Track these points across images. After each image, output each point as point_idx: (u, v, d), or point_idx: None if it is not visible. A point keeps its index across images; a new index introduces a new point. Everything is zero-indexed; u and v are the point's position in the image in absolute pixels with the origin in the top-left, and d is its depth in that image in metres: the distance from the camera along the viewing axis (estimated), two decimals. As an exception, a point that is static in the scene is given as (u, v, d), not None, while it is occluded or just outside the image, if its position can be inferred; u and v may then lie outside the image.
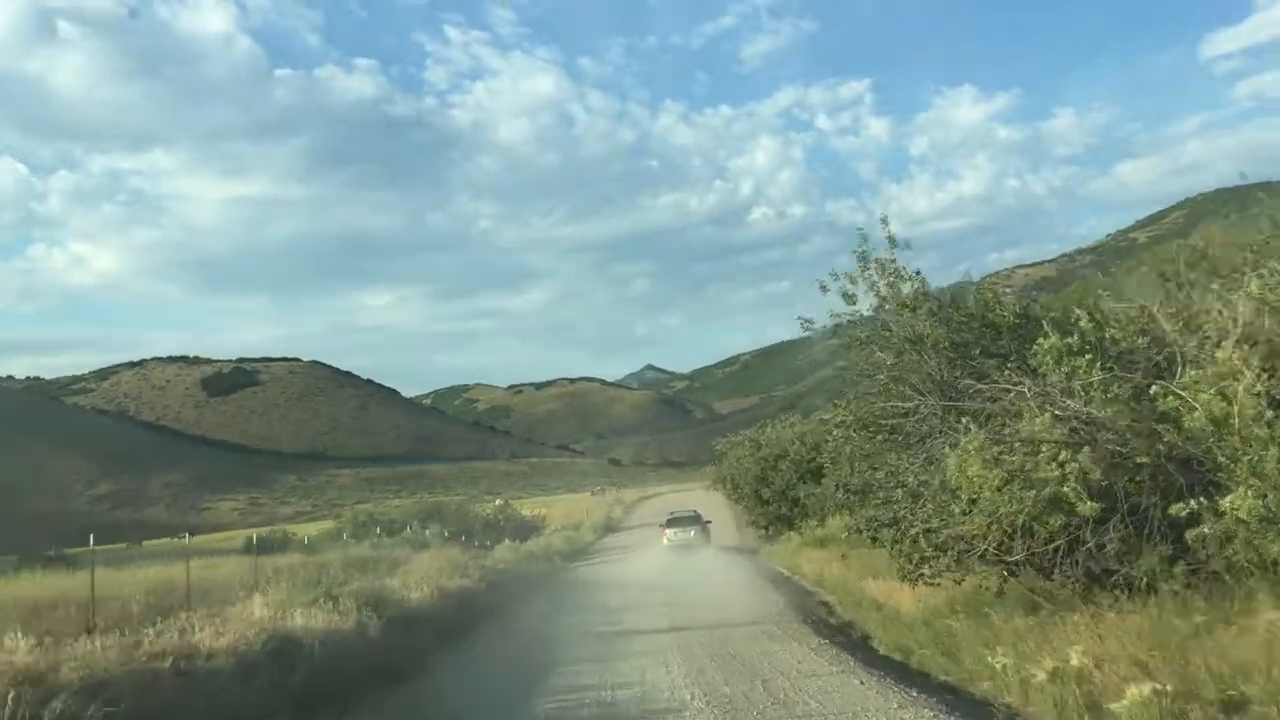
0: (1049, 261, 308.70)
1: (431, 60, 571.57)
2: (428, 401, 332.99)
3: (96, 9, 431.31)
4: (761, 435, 37.42)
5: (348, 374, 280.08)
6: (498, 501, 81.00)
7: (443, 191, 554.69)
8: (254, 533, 44.19)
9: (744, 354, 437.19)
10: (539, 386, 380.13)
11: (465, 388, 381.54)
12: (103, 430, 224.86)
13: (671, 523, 39.87)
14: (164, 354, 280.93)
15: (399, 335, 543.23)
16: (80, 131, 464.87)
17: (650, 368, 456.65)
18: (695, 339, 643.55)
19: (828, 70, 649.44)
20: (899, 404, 13.05)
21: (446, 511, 57.75)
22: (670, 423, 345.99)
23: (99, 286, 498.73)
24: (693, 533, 38.55)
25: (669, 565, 33.02)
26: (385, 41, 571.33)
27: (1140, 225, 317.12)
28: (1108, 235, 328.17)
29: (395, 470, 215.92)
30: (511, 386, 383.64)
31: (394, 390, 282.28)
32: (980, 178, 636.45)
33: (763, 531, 37.98)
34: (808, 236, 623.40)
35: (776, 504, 35.36)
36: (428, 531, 44.18)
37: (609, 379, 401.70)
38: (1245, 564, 8.48)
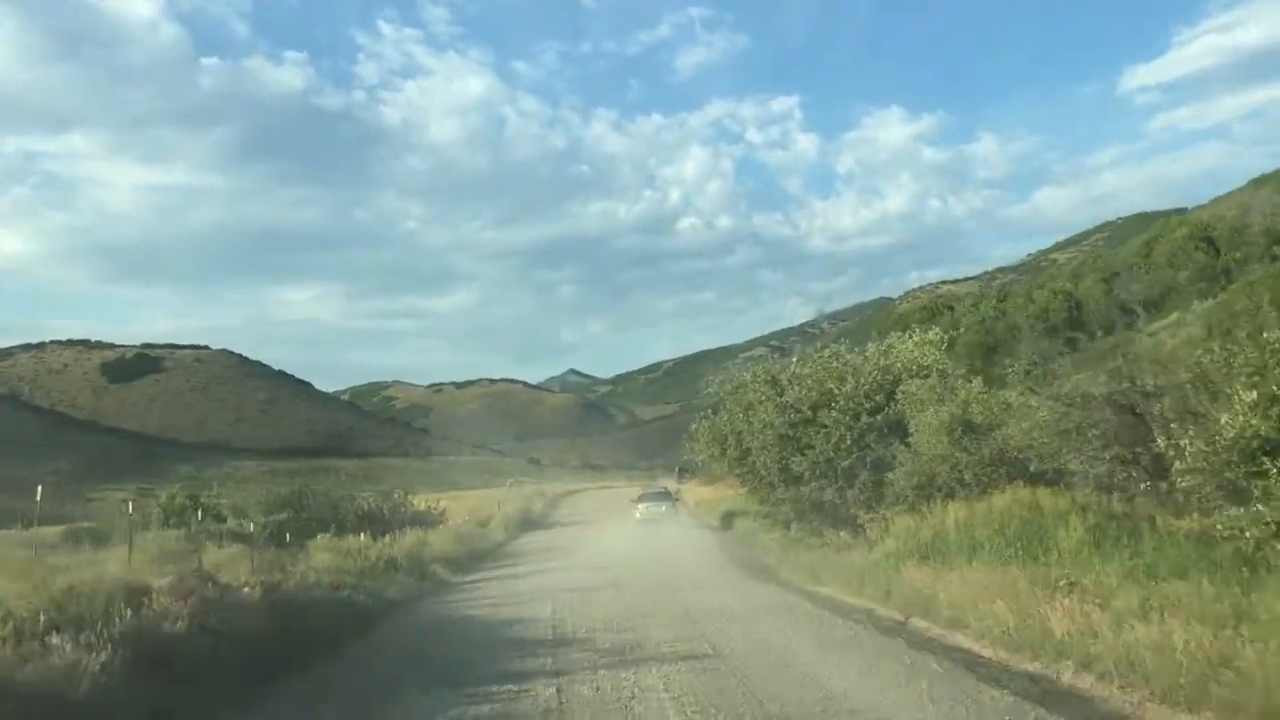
0: (972, 279, 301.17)
1: (363, 55, 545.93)
2: (345, 398, 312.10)
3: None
4: (785, 372, 21.85)
5: (257, 364, 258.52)
6: (397, 493, 63.79)
7: (369, 189, 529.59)
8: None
9: (667, 361, 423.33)
10: (460, 386, 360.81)
11: (384, 385, 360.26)
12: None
13: (643, 498, 43.10)
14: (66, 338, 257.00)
15: (318, 331, 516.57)
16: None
17: (573, 372, 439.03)
18: (619, 345, 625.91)
19: (759, 84, 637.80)
20: None
21: (313, 499, 41.13)
22: (592, 427, 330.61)
23: (6, 269, 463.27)
24: (664, 508, 40.35)
25: (644, 588, 17.45)
26: (316, 34, 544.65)
27: (1060, 247, 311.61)
28: (1029, 255, 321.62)
29: (302, 464, 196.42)
30: (432, 385, 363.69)
31: (306, 383, 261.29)
32: (904, 197, 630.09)
33: (784, 530, 22.31)
34: (734, 247, 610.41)
35: (818, 483, 19.83)
36: (249, 523, 28.09)
37: (531, 382, 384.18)
38: None
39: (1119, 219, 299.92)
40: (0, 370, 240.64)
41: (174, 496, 34.35)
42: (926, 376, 20.10)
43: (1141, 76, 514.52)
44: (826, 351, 21.81)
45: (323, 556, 18.07)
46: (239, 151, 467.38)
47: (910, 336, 21.97)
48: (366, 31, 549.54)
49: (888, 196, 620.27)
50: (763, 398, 21.08)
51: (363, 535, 23.66)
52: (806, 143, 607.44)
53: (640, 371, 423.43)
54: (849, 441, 19.46)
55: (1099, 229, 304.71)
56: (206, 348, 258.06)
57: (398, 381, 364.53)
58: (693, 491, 58.09)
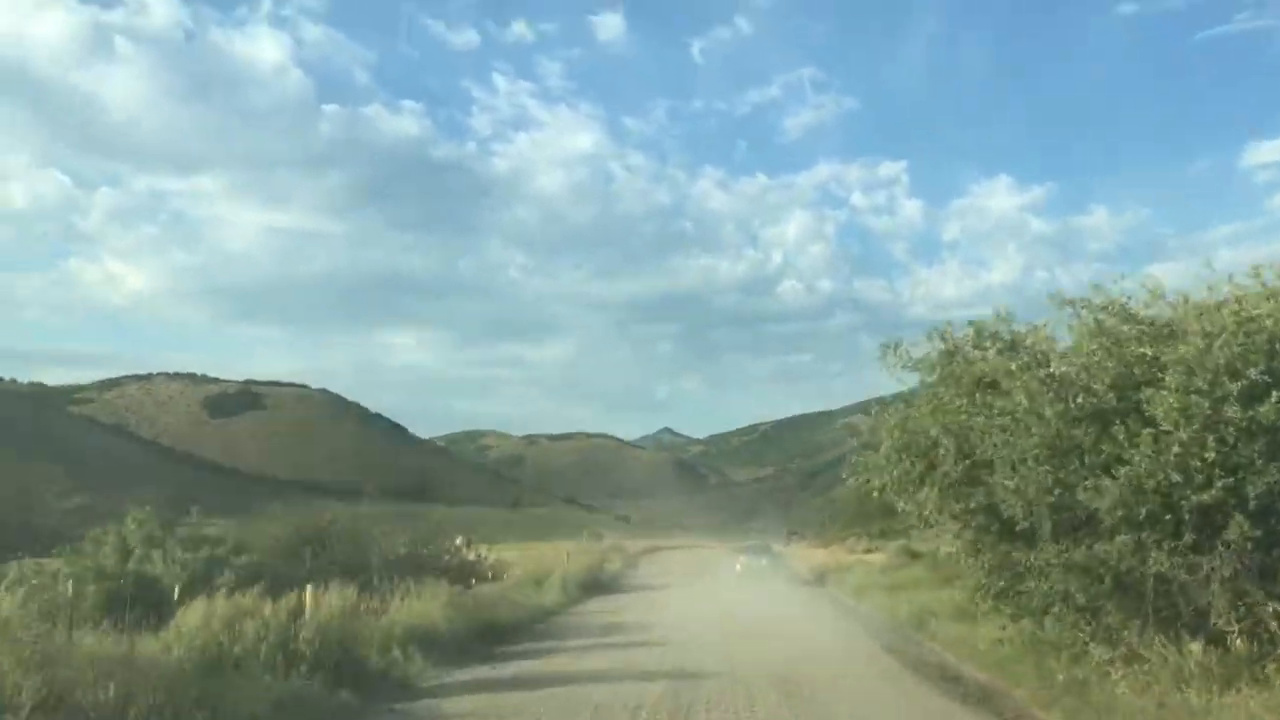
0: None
1: (477, 107, 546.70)
2: (441, 444, 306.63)
3: (155, 29, 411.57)
4: (1038, 331, 11.36)
5: (354, 405, 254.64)
6: (459, 539, 53.95)
7: (475, 237, 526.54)
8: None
9: (763, 423, 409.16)
10: (554, 439, 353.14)
11: (479, 434, 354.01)
12: (92, 442, 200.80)
13: (745, 550, 43.72)
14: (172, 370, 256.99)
15: (419, 377, 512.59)
16: (127, 150, 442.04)
17: (667, 430, 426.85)
18: (713, 405, 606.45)
19: (867, 148, 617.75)
20: None
21: (333, 538, 31.41)
22: (684, 486, 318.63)
23: (128, 305, 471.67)
24: (764, 561, 40.33)
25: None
26: (433, 85, 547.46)
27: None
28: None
29: (389, 508, 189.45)
30: (526, 436, 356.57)
31: (401, 427, 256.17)
32: (1010, 267, 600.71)
33: (1033, 623, 11.44)
34: (833, 312, 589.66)
35: (1133, 535, 9.40)
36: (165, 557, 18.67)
37: (625, 438, 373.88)
38: None
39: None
40: (108, 400, 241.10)
41: (141, 522, 24.40)
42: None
43: (1265, 154, 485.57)
44: (1127, 287, 11.24)
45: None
46: (354, 197, 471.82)
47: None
48: (481, 84, 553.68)
49: (993, 267, 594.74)
50: (1013, 368, 10.70)
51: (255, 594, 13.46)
52: (912, 209, 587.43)
53: (734, 433, 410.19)
54: (1211, 456, 9.09)
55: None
56: (307, 387, 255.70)
57: (493, 431, 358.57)
58: (804, 555, 47.49)
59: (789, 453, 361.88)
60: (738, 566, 39.18)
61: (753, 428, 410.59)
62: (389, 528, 33.64)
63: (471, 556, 37.13)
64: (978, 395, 11.09)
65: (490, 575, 32.35)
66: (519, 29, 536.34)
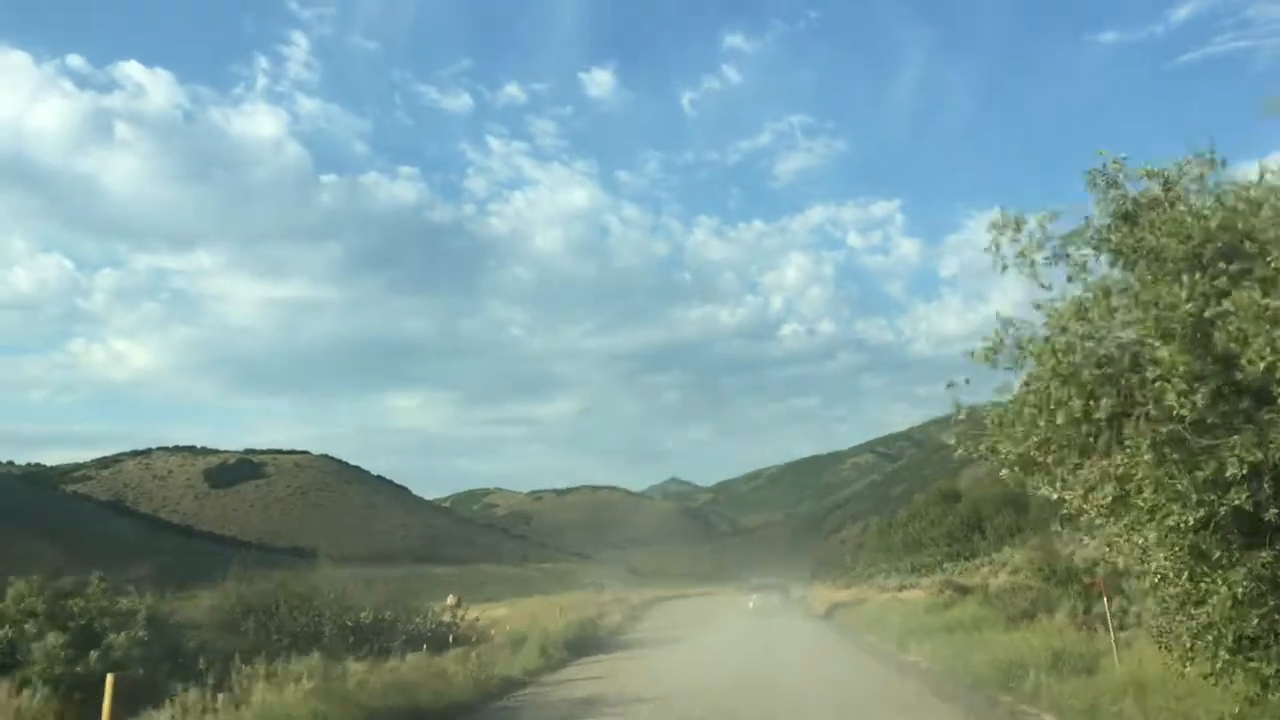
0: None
1: (473, 169, 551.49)
2: (446, 504, 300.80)
3: (154, 112, 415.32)
4: None
5: (357, 469, 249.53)
6: (449, 599, 48.62)
7: (476, 298, 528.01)
8: None
9: (770, 468, 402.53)
10: (561, 493, 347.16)
11: (485, 492, 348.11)
12: (87, 518, 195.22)
13: (756, 589, 43.51)
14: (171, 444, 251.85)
15: (422, 438, 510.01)
16: (128, 230, 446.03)
17: (674, 480, 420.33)
18: (721, 453, 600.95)
19: (860, 189, 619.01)
20: None
21: (286, 604, 26.24)
22: (693, 535, 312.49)
23: (133, 382, 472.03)
24: (777, 599, 39.64)
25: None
26: (429, 150, 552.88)
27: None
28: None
29: (393, 570, 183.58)
30: (533, 492, 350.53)
31: (404, 489, 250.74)
32: (1009, 300, 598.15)
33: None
34: (835, 353, 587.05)
35: None
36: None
37: (633, 489, 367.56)
38: None
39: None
40: (106, 477, 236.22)
41: (21, 597, 18.61)
42: None
43: (1252, 174, 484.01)
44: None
45: None
46: (353, 264, 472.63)
47: None
48: (476, 146, 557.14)
49: (993, 300, 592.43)
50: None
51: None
52: (908, 247, 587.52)
53: (742, 479, 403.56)
54: None
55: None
56: (307, 453, 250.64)
57: (499, 488, 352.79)
58: (827, 595, 42.61)
59: (798, 496, 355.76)
60: (750, 604, 39.37)
61: (759, 473, 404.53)
62: (352, 591, 28.44)
63: (448, 618, 31.98)
64: (1199, 276, 6.17)
65: (452, 640, 27.22)
66: (511, 90, 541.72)
